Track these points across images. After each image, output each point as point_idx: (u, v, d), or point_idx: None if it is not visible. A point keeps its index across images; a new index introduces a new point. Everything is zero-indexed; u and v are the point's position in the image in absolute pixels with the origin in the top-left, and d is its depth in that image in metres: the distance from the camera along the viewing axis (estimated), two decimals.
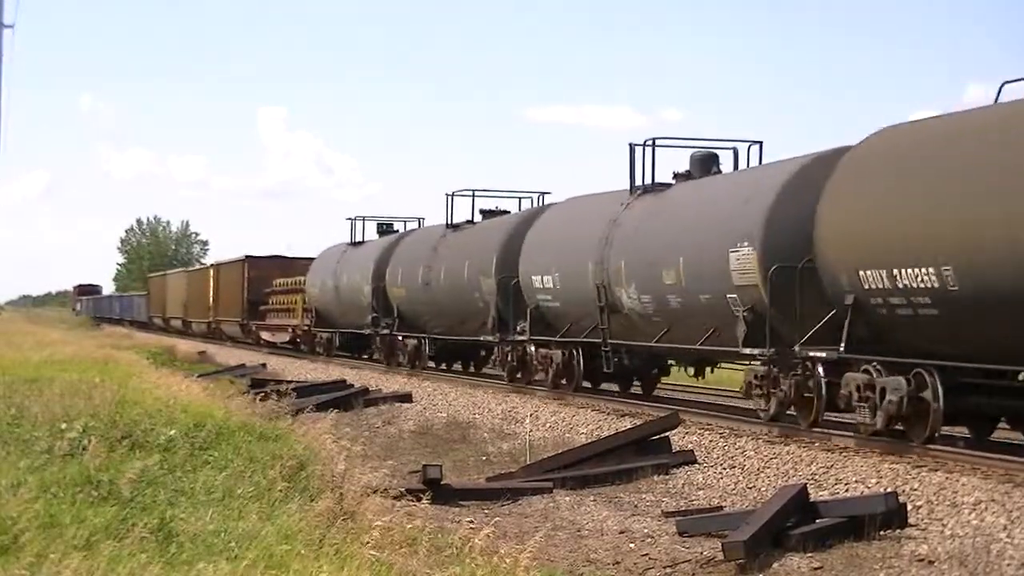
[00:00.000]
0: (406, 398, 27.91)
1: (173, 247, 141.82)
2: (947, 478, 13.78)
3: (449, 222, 33.17)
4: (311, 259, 47.47)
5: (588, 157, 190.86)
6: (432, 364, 34.74)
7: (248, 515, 10.03)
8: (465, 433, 21.97)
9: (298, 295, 46.35)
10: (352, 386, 29.88)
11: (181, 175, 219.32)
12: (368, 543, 9.36)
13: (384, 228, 41.06)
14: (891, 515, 12.18)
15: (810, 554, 11.52)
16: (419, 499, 13.29)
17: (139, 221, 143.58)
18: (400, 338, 35.37)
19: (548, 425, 21.80)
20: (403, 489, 13.79)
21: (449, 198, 33.08)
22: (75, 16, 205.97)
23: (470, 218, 33.09)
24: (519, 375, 27.60)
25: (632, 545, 12.45)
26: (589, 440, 19.16)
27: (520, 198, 32.25)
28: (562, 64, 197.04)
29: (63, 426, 13.57)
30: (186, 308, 69.08)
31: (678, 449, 17.75)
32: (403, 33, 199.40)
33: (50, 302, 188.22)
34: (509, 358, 27.84)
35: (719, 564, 11.39)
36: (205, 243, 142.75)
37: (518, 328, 26.80)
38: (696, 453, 17.42)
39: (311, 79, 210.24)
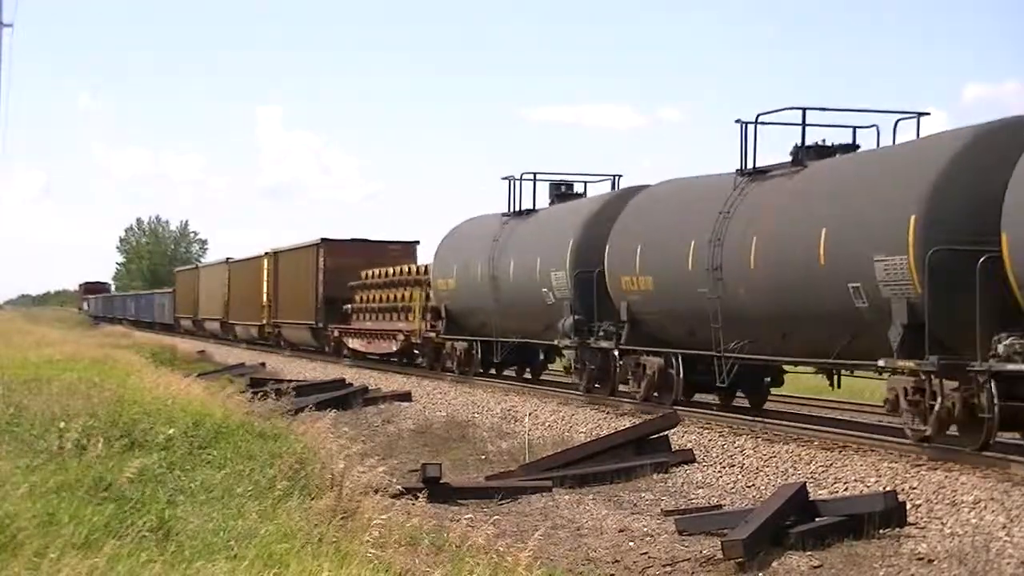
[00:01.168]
0: (405, 397, 27.92)
1: (172, 246, 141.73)
2: (946, 477, 13.78)
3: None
4: (405, 243, 41.93)
5: (588, 157, 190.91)
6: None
7: (247, 514, 10.03)
8: (464, 432, 21.97)
9: (413, 290, 34.15)
10: (351, 385, 29.89)
11: (179, 174, 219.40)
12: (367, 542, 9.36)
13: (562, 190, 28.40)
14: (890, 514, 12.19)
15: (809, 553, 11.53)
16: (418, 498, 13.29)
17: (138, 220, 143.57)
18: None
19: (547, 424, 21.79)
20: (402, 488, 13.80)
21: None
22: (73, 16, 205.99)
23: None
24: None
25: (631, 544, 12.46)
26: (588, 439, 19.17)
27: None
28: (562, 64, 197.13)
29: (62, 425, 13.57)
30: (227, 308, 58.43)
31: (677, 448, 17.75)
32: (403, 32, 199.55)
33: (49, 301, 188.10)
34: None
35: (718, 563, 11.39)
36: (204, 242, 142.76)
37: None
38: (695, 452, 17.42)
39: (309, 78, 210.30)
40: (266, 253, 50.56)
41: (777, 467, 15.87)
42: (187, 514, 9.83)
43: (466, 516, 13.51)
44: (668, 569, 11.44)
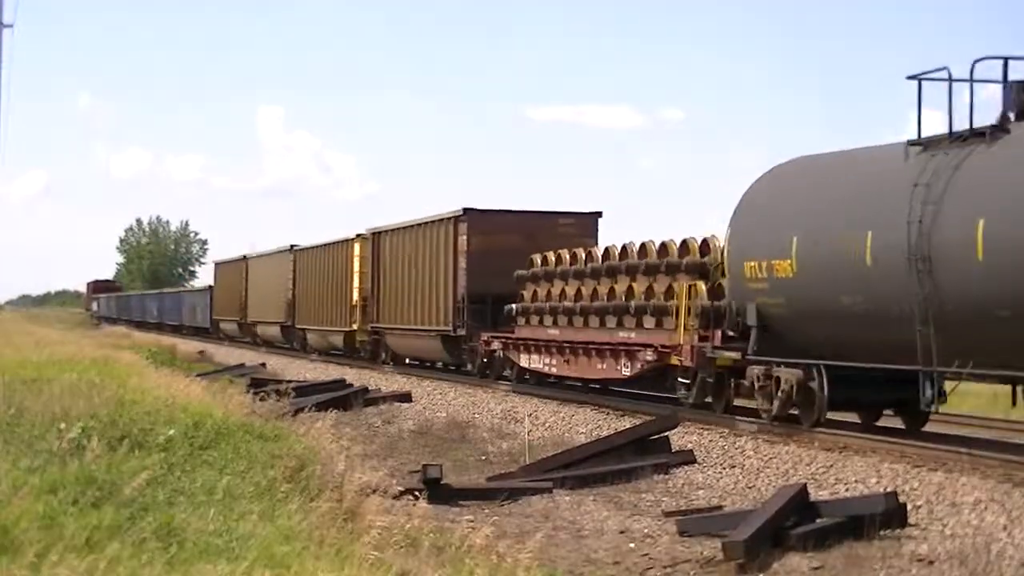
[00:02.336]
0: (406, 398, 27.93)
1: (173, 246, 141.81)
2: (947, 478, 13.78)
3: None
4: (581, 215, 30.35)
5: (588, 157, 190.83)
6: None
7: (248, 515, 10.02)
8: (465, 433, 21.98)
9: (676, 280, 21.50)
10: (351, 385, 29.89)
11: (179, 174, 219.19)
12: (368, 543, 9.36)
13: None
14: (891, 515, 12.20)
15: (810, 554, 11.53)
16: (419, 499, 13.29)
17: (139, 220, 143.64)
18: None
19: (547, 425, 21.80)
20: (403, 489, 13.80)
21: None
22: (74, 16, 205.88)
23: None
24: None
25: (632, 545, 12.46)
26: (588, 440, 19.17)
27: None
28: (562, 64, 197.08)
29: (63, 426, 13.54)
30: (293, 308, 46.61)
31: (678, 449, 17.75)
32: (402, 32, 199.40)
33: (50, 302, 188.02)
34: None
35: (719, 564, 11.39)
36: (205, 242, 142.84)
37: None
38: (696, 453, 17.43)
39: (309, 78, 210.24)
40: (359, 235, 38.97)
41: (778, 468, 15.87)
42: (188, 515, 9.82)
43: (467, 517, 13.54)
44: (669, 570, 11.44)
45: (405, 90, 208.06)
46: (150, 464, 11.81)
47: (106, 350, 37.23)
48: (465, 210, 30.01)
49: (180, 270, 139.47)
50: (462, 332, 29.91)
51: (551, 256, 26.65)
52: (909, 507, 12.63)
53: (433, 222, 32.13)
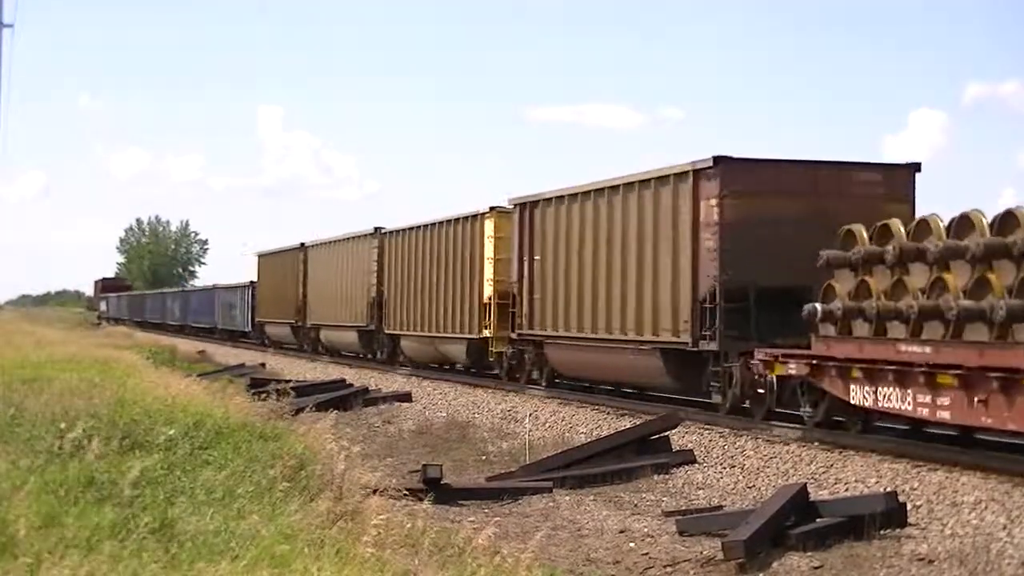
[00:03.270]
0: (406, 398, 27.93)
1: (173, 246, 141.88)
2: (947, 478, 13.79)
3: None
4: (888, 167, 20.79)
5: (588, 157, 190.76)
6: None
7: (248, 515, 10.02)
8: (465, 432, 21.98)
9: None
10: (352, 386, 29.90)
11: (179, 174, 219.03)
12: (368, 543, 9.36)
13: None
14: (891, 514, 12.21)
15: (810, 553, 11.53)
16: (419, 499, 13.30)
17: (139, 220, 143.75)
18: None
19: (547, 425, 21.81)
20: (403, 489, 13.80)
21: None
22: (73, 16, 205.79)
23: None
24: None
25: (632, 544, 12.47)
26: (589, 439, 19.18)
27: None
28: (562, 64, 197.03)
29: (63, 426, 13.56)
30: (379, 310, 36.75)
31: (678, 448, 17.76)
32: (402, 32, 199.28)
33: (50, 302, 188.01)
34: None
35: (719, 563, 11.40)
36: (205, 242, 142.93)
37: None
38: (696, 452, 17.43)
39: (309, 78, 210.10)
40: (495, 208, 28.73)
41: (778, 468, 15.88)
42: (188, 515, 9.83)
43: (467, 517, 13.54)
44: (669, 570, 11.44)
45: (405, 90, 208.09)
46: (150, 464, 11.82)
47: (106, 350, 37.25)
48: (716, 159, 19.49)
49: (180, 270, 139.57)
50: (711, 346, 19.44)
51: (897, 226, 16.36)
52: (909, 507, 12.64)
53: (649, 180, 21.59)
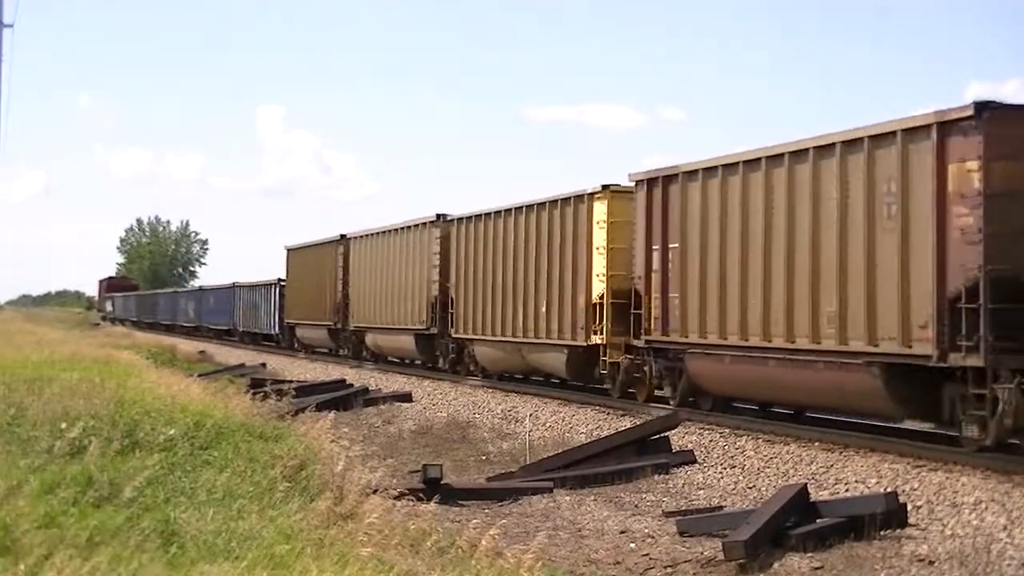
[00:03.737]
0: (406, 398, 27.90)
1: (173, 247, 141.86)
2: (947, 478, 13.79)
3: None
4: None
5: (588, 157, 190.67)
6: None
7: (249, 515, 10.03)
8: (465, 433, 21.97)
9: None
10: (352, 386, 29.88)
11: (179, 174, 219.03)
12: (368, 543, 9.36)
13: None
14: (891, 515, 12.20)
15: (810, 554, 11.53)
16: (419, 499, 13.29)
17: (139, 221, 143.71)
18: None
19: (548, 425, 21.80)
20: (403, 489, 13.80)
21: None
22: (73, 16, 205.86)
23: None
24: None
25: (633, 545, 12.46)
26: (589, 440, 19.17)
27: None
28: (562, 64, 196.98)
29: (63, 426, 13.55)
30: (444, 311, 31.75)
31: (678, 449, 17.75)
32: (402, 32, 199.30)
33: (50, 302, 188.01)
34: None
35: (719, 564, 11.39)
36: (205, 243, 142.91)
37: None
38: (696, 453, 17.43)
39: (309, 78, 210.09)
40: (607, 187, 24.07)
41: (778, 468, 15.88)
42: (189, 515, 9.83)
43: (467, 518, 13.52)
44: (669, 570, 11.44)
45: (405, 90, 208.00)
46: (150, 464, 11.82)
47: (107, 350, 37.23)
48: (978, 106, 14.66)
49: (180, 270, 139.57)
50: (971, 360, 14.67)
51: None
52: (909, 507, 12.63)
53: (858, 140, 16.65)
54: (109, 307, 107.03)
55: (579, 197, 24.80)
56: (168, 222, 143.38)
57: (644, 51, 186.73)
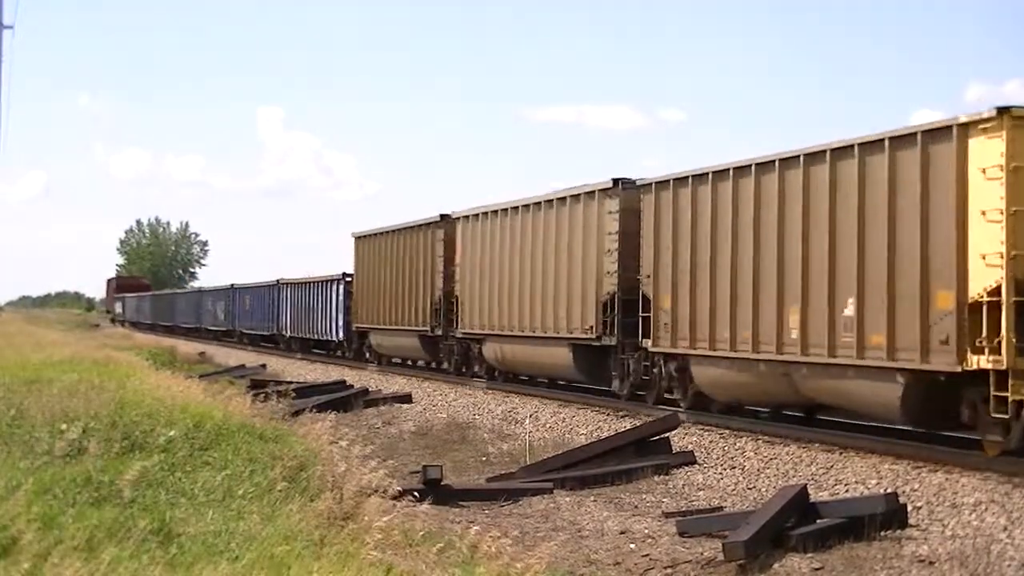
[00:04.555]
0: (406, 399, 27.90)
1: (173, 248, 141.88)
2: (947, 479, 13.79)
3: None
4: None
5: (588, 157, 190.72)
6: None
7: (248, 516, 10.03)
8: (465, 434, 21.97)
9: None
10: (352, 387, 29.88)
11: (179, 174, 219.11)
12: (368, 543, 9.35)
13: None
14: (891, 515, 12.19)
15: (810, 554, 11.52)
16: (419, 499, 13.29)
17: (139, 222, 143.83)
18: None
19: (548, 426, 21.79)
20: (403, 489, 13.79)
21: None
22: (73, 16, 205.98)
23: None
24: None
25: (632, 545, 12.45)
26: (589, 441, 19.17)
27: None
28: (562, 64, 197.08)
29: (63, 427, 13.55)
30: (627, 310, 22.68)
31: (678, 450, 17.75)
32: (402, 32, 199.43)
33: (50, 303, 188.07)
34: None
35: (719, 564, 11.39)
36: (205, 243, 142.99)
37: None
38: (696, 454, 17.43)
39: (309, 78, 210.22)
40: (1003, 110, 14.40)
41: (778, 469, 15.87)
42: (188, 516, 9.83)
43: (467, 518, 13.53)
44: (669, 571, 11.43)
45: (405, 90, 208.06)
46: (150, 465, 11.82)
47: (106, 351, 37.24)
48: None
49: (180, 271, 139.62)
50: None
51: None
52: (909, 508, 12.63)
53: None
54: (119, 309, 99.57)
55: (944, 130, 15.20)
56: (168, 223, 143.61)
57: (644, 51, 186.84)
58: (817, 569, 11.17)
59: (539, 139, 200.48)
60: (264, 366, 41.40)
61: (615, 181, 23.52)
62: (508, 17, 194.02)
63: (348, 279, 40.85)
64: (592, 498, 15.26)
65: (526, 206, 27.41)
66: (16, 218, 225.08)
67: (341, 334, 41.87)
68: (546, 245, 26.26)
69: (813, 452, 16.26)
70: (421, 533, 10.70)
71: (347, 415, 25.34)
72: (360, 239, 39.52)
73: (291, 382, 32.20)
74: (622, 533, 13.10)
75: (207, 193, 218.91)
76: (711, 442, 17.99)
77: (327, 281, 43.80)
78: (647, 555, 11.98)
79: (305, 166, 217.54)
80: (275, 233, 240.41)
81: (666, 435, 17.97)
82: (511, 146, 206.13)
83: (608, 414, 21.83)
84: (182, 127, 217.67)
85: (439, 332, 32.16)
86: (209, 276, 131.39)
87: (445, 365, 32.87)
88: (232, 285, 60.64)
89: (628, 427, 19.40)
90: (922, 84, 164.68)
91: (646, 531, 13.10)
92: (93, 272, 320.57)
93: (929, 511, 12.81)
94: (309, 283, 46.44)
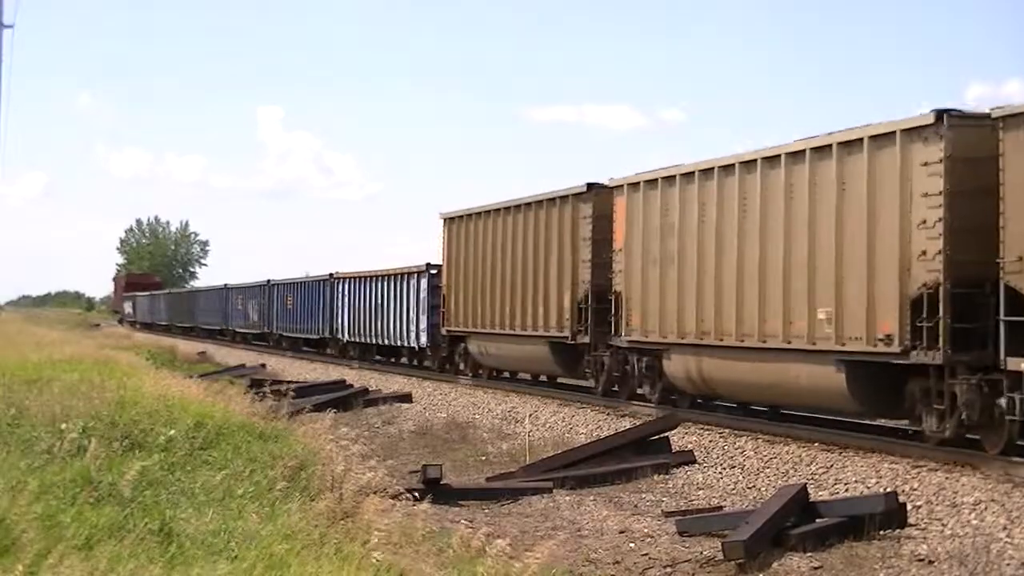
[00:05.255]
0: (406, 398, 27.92)
1: (173, 247, 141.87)
2: (947, 478, 13.79)
3: None
4: None
5: (588, 157, 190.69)
6: None
7: (248, 515, 10.03)
8: (465, 433, 21.98)
9: None
10: (352, 386, 29.88)
11: (180, 175, 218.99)
12: (368, 543, 9.36)
13: None
14: (891, 515, 12.20)
15: (810, 554, 11.53)
16: (419, 499, 13.29)
17: (139, 221, 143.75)
18: None
19: (548, 425, 21.80)
20: (403, 489, 13.80)
21: None
22: (73, 16, 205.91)
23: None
24: None
25: (632, 545, 12.46)
26: (589, 440, 19.17)
27: None
28: (562, 64, 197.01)
29: (63, 426, 13.56)
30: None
31: (678, 449, 17.75)
32: (402, 32, 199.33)
33: (50, 303, 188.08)
34: None
35: (719, 564, 11.39)
36: (205, 243, 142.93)
37: None
38: (696, 453, 17.43)
39: (309, 78, 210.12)
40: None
41: (778, 468, 15.88)
42: (188, 516, 9.83)
43: (466, 517, 13.53)
44: (669, 570, 11.44)
45: (405, 90, 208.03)
46: (150, 464, 11.83)
47: (106, 351, 37.24)
48: None
49: (180, 271, 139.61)
50: None
51: None
52: (909, 507, 12.63)
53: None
54: (128, 309, 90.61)
55: None
56: (168, 223, 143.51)
57: (644, 51, 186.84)
58: (817, 568, 11.18)
59: (539, 139, 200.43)
60: (264, 366, 41.40)
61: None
62: (508, 17, 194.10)
63: (434, 271, 33.21)
64: (592, 497, 15.27)
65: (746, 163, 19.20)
66: (16, 218, 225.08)
67: (424, 339, 33.50)
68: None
69: (813, 451, 16.27)
70: (421, 532, 10.70)
71: (347, 414, 25.35)
72: (452, 221, 31.23)
73: (291, 382, 32.21)
74: (622, 532, 13.11)
75: (207, 193, 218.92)
76: (711, 441, 17.99)
77: (405, 274, 35.33)
78: (646, 554, 11.99)
79: (305, 166, 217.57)
80: (275, 233, 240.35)
81: (666, 434, 17.98)
82: (511, 146, 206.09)
83: (608, 414, 21.84)
84: (182, 127, 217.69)
85: (585, 339, 24.17)
86: (209, 276, 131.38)
87: (590, 383, 24.78)
88: (269, 281, 52.32)
89: (628, 427, 19.40)
90: (922, 84, 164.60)
91: (646, 530, 13.11)
92: (93, 272, 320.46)
93: (929, 510, 12.81)
94: (378, 277, 37.72)
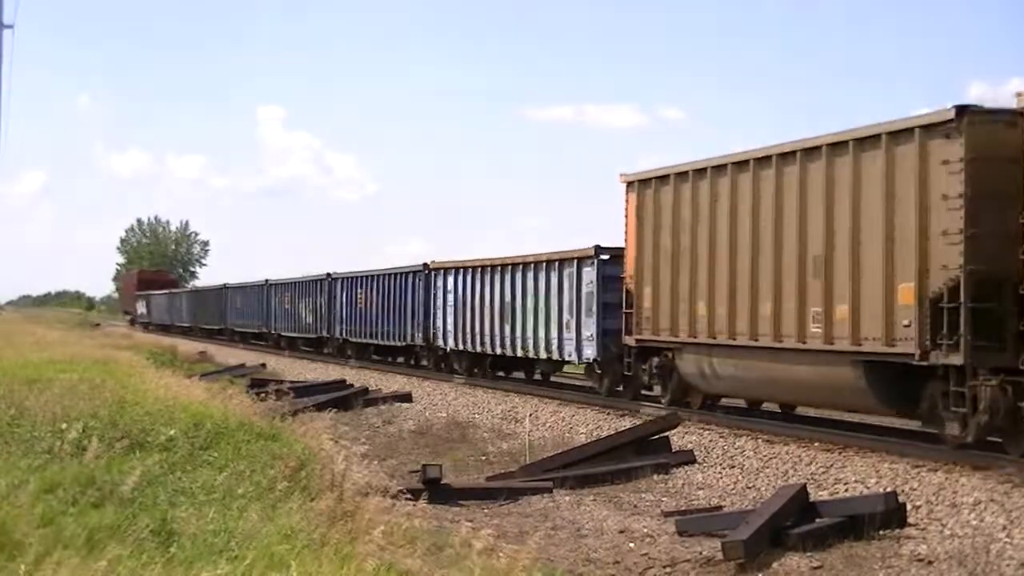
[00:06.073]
0: (406, 398, 27.91)
1: (173, 247, 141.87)
2: (947, 478, 13.79)
3: None
4: None
5: (588, 157, 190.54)
6: None
7: (248, 515, 10.03)
8: (465, 433, 21.98)
9: None
10: (352, 386, 29.88)
11: (179, 174, 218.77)
12: (368, 542, 9.36)
13: None
14: (890, 515, 12.21)
15: (809, 553, 11.54)
16: (419, 499, 13.30)
17: (139, 221, 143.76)
18: None
19: (548, 425, 21.80)
20: (403, 488, 13.82)
21: None
22: (73, 16, 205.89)
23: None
24: None
25: (632, 544, 12.47)
26: (589, 440, 19.18)
27: None
28: (562, 64, 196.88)
29: (63, 426, 13.57)
30: None
31: (678, 449, 17.76)
32: (402, 32, 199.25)
33: (50, 302, 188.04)
34: None
35: (719, 563, 11.40)
36: (205, 243, 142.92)
37: None
38: (696, 453, 17.44)
39: (309, 78, 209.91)
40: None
41: (777, 468, 15.88)
42: (188, 515, 9.84)
43: (466, 517, 13.54)
44: (668, 570, 11.45)
45: (405, 90, 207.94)
46: (150, 464, 11.83)
47: (107, 350, 37.24)
48: None
49: (181, 271, 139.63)
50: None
51: None
52: (909, 507, 12.64)
53: None
54: (142, 309, 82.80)
55: None
56: (168, 222, 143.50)
57: (644, 51, 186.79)
58: (816, 568, 11.19)
59: (539, 139, 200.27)
60: (264, 365, 41.38)
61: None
62: (508, 17, 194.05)
63: (604, 258, 24.45)
64: (591, 497, 15.28)
65: None
66: (16, 218, 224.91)
67: (591, 351, 24.65)
68: None
69: (813, 451, 16.27)
70: (421, 532, 10.70)
71: (347, 414, 25.36)
72: (647, 184, 22.22)
73: (291, 381, 32.21)
74: (621, 532, 13.12)
75: (207, 193, 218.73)
76: (711, 441, 17.99)
77: (558, 261, 26.17)
78: (646, 554, 12.00)
79: (305, 166, 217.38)
80: (275, 233, 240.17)
81: (666, 434, 17.98)
82: (511, 146, 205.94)
83: (608, 413, 21.84)
84: (182, 127, 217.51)
85: (949, 358, 14.99)
86: (209, 276, 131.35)
87: (954, 430, 15.37)
88: (329, 275, 42.22)
89: (628, 426, 19.41)
90: (923, 84, 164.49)
91: (645, 530, 13.12)
92: (93, 272, 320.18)
93: (928, 510, 12.82)
94: (507, 265, 28.52)
